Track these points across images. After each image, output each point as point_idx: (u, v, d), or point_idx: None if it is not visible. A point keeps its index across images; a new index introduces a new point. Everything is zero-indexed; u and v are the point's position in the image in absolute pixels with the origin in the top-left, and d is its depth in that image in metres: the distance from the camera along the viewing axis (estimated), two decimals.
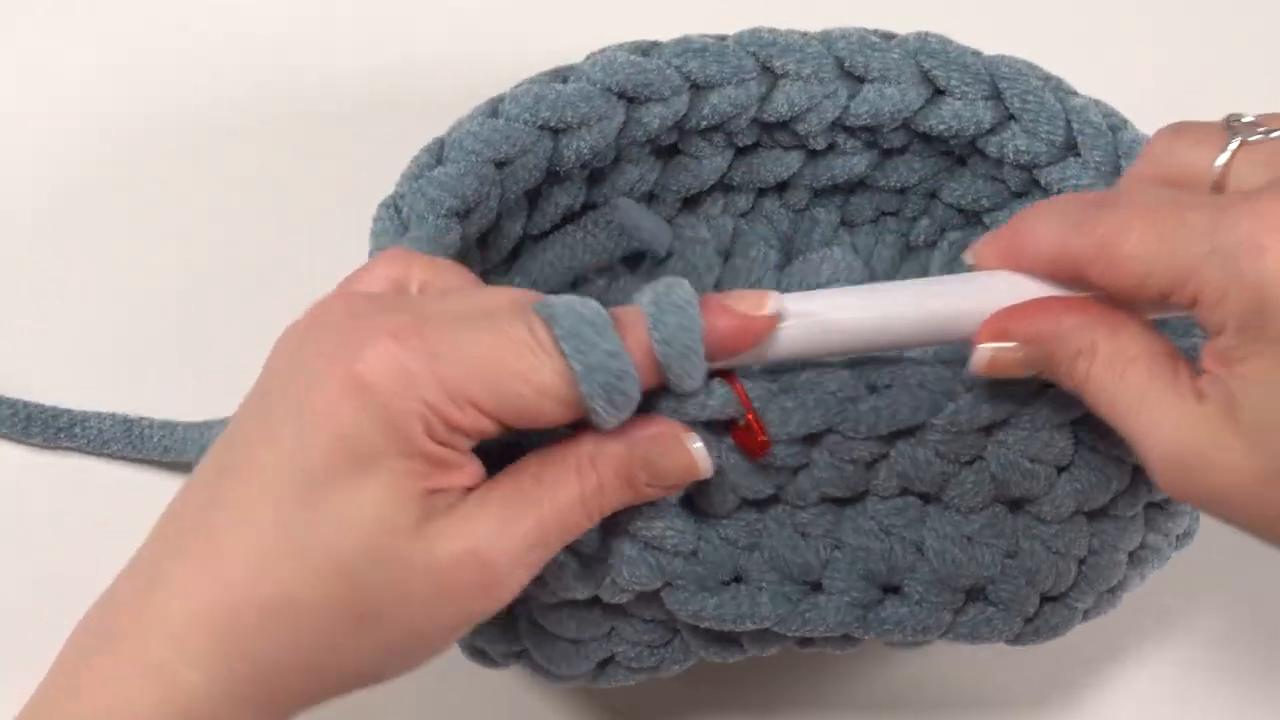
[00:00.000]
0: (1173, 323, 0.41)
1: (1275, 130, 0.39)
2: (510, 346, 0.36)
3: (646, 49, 0.47)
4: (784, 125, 0.49)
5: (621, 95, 0.46)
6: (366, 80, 0.62)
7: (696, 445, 0.38)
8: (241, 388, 0.38)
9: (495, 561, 0.37)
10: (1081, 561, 0.42)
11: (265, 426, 0.37)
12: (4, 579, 0.53)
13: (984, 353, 0.38)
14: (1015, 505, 0.41)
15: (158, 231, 0.59)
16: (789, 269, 0.53)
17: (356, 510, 0.35)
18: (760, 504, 0.41)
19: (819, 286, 0.52)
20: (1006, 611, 0.42)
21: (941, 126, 0.48)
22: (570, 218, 0.50)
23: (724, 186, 0.52)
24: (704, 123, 0.48)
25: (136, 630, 0.36)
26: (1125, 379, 0.37)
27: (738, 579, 0.41)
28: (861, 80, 0.48)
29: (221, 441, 0.38)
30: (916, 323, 0.39)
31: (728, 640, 0.43)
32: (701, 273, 0.51)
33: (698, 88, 0.47)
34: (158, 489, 0.55)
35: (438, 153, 0.45)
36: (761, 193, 0.52)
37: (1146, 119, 0.46)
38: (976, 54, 0.48)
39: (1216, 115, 0.40)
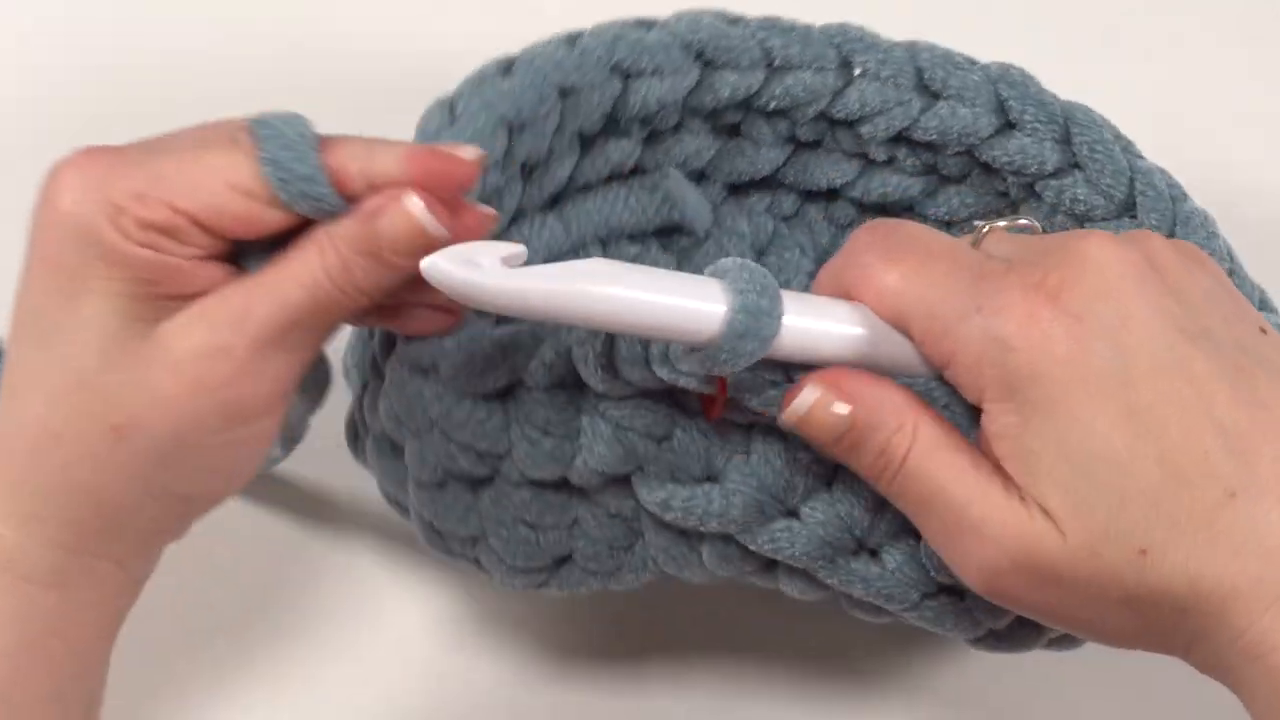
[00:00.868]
0: None
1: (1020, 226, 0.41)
2: (207, 149, 0.37)
3: (733, 19, 0.47)
4: (850, 125, 0.48)
5: (700, 55, 0.45)
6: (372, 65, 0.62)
7: (414, 203, 0.37)
8: None
9: (235, 345, 0.37)
10: None
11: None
12: None
13: (809, 398, 0.37)
14: None
15: None
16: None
17: (80, 324, 0.37)
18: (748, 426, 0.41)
19: None
20: (978, 615, 0.41)
21: (1005, 159, 0.48)
22: (618, 176, 0.49)
23: (773, 183, 0.51)
24: (773, 103, 0.47)
25: None
26: (952, 468, 0.37)
27: (710, 479, 0.40)
28: (937, 96, 0.47)
29: None
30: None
31: (688, 546, 0.42)
32: None
33: (774, 67, 0.46)
34: None
35: (506, 66, 0.44)
36: (809, 197, 0.52)
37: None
38: (1055, 97, 0.47)
39: (1214, 127, 0.40)
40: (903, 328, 0.37)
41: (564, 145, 0.46)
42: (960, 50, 0.48)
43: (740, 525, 0.40)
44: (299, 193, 0.36)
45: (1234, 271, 0.47)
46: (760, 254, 0.52)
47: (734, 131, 0.50)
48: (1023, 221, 0.42)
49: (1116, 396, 0.35)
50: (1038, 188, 0.48)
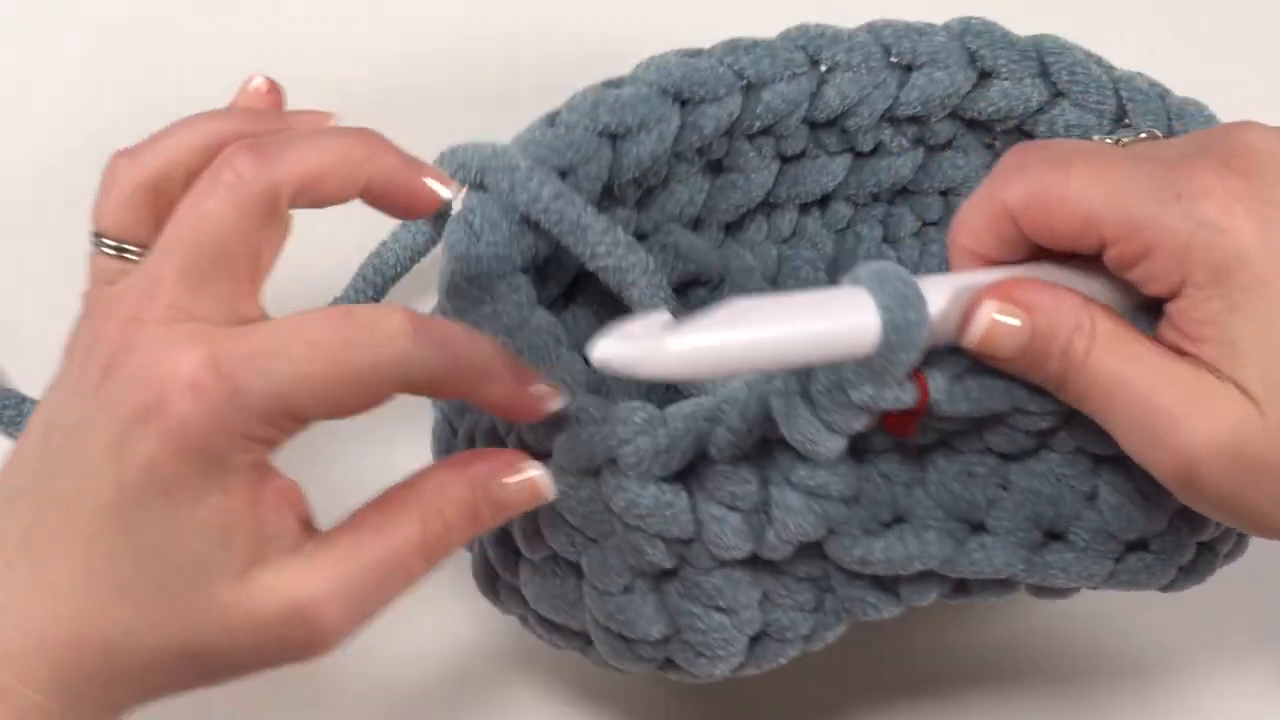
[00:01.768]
0: None
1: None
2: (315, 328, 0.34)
3: (694, 53, 0.46)
4: (833, 123, 0.48)
5: (676, 96, 0.44)
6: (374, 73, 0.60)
7: (536, 473, 0.37)
8: None
9: (322, 620, 0.35)
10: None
11: (74, 452, 0.35)
12: None
13: (986, 316, 0.36)
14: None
15: None
16: None
17: (178, 546, 0.34)
18: (923, 447, 0.39)
19: None
20: (1166, 560, 0.40)
21: (991, 109, 0.47)
22: None
23: (767, 207, 0.50)
24: (757, 123, 0.46)
25: None
26: (1137, 358, 0.36)
27: (899, 519, 0.39)
28: (910, 68, 0.47)
29: (21, 461, 0.36)
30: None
31: (885, 590, 0.40)
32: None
33: (750, 86, 0.46)
34: None
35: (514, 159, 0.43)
36: (804, 210, 0.51)
37: None
38: (1018, 36, 0.47)
39: None
40: (1091, 231, 0.36)
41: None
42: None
43: (940, 560, 0.39)
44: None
45: None
46: (774, 282, 0.51)
47: (719, 167, 0.49)
48: (1144, 135, 0.41)
49: None
50: (1026, 126, 0.48)
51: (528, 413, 0.37)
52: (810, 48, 0.46)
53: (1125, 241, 0.36)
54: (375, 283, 0.48)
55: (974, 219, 0.38)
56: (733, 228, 0.51)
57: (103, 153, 0.39)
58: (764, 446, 0.38)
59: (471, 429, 0.41)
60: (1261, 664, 0.50)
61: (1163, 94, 0.47)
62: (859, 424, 0.36)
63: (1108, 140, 0.41)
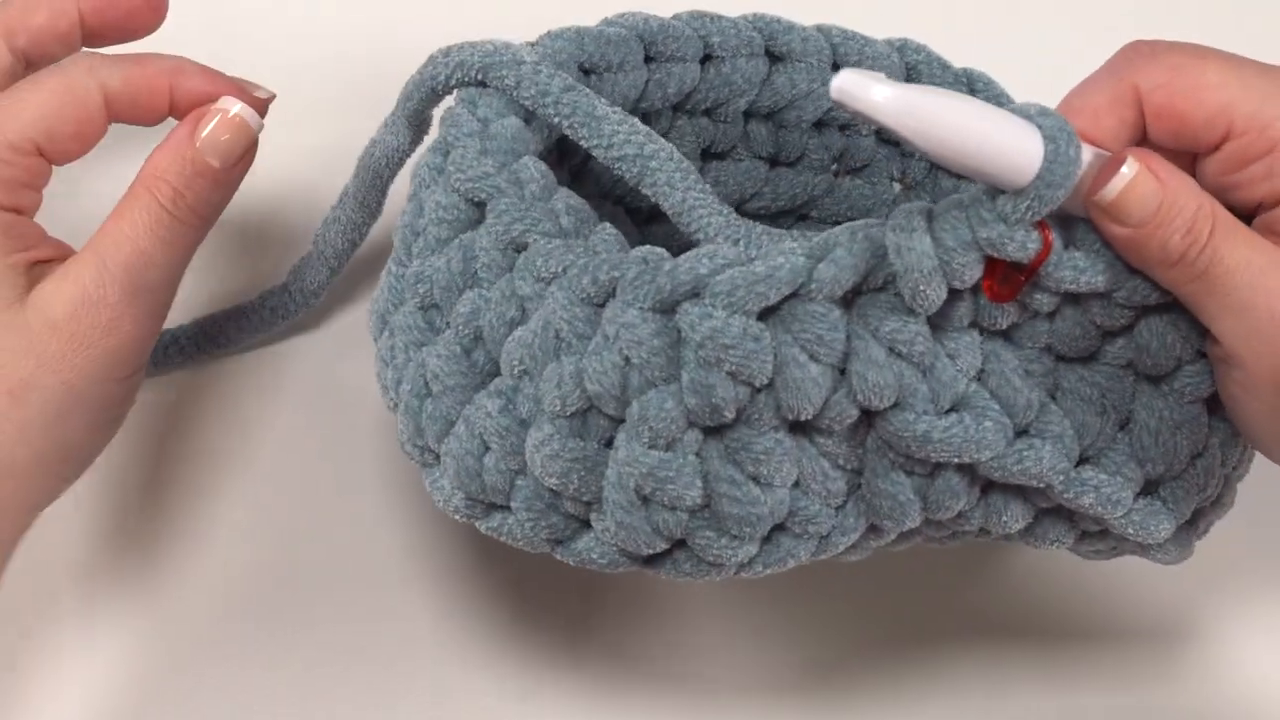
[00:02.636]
0: None
1: None
2: (41, 79, 0.41)
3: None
4: (770, 117, 0.48)
5: (649, 48, 0.45)
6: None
7: (237, 107, 0.41)
8: None
9: (106, 295, 0.40)
10: (1228, 477, 0.42)
11: None
12: None
13: (1130, 171, 0.36)
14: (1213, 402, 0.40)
15: None
16: None
17: None
18: (989, 335, 0.38)
19: None
20: (1172, 510, 0.40)
21: None
22: None
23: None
24: (711, 96, 0.47)
25: None
26: (1254, 241, 0.37)
27: (955, 408, 0.38)
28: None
29: None
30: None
31: (912, 491, 0.39)
32: None
33: (710, 57, 0.46)
34: None
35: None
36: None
37: None
38: (950, 64, 0.50)
39: None
40: (1219, 122, 0.37)
41: None
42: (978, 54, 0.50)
43: (993, 450, 0.38)
44: None
45: None
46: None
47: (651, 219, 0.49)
48: None
49: None
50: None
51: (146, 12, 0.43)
52: (767, 31, 0.47)
53: (1253, 134, 0.37)
54: (373, 184, 0.46)
55: (1097, 98, 0.38)
56: (651, 218, 0.50)
57: None
58: (853, 299, 0.37)
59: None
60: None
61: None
62: (973, 271, 0.36)
63: None
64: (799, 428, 0.37)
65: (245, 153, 0.42)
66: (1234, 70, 0.37)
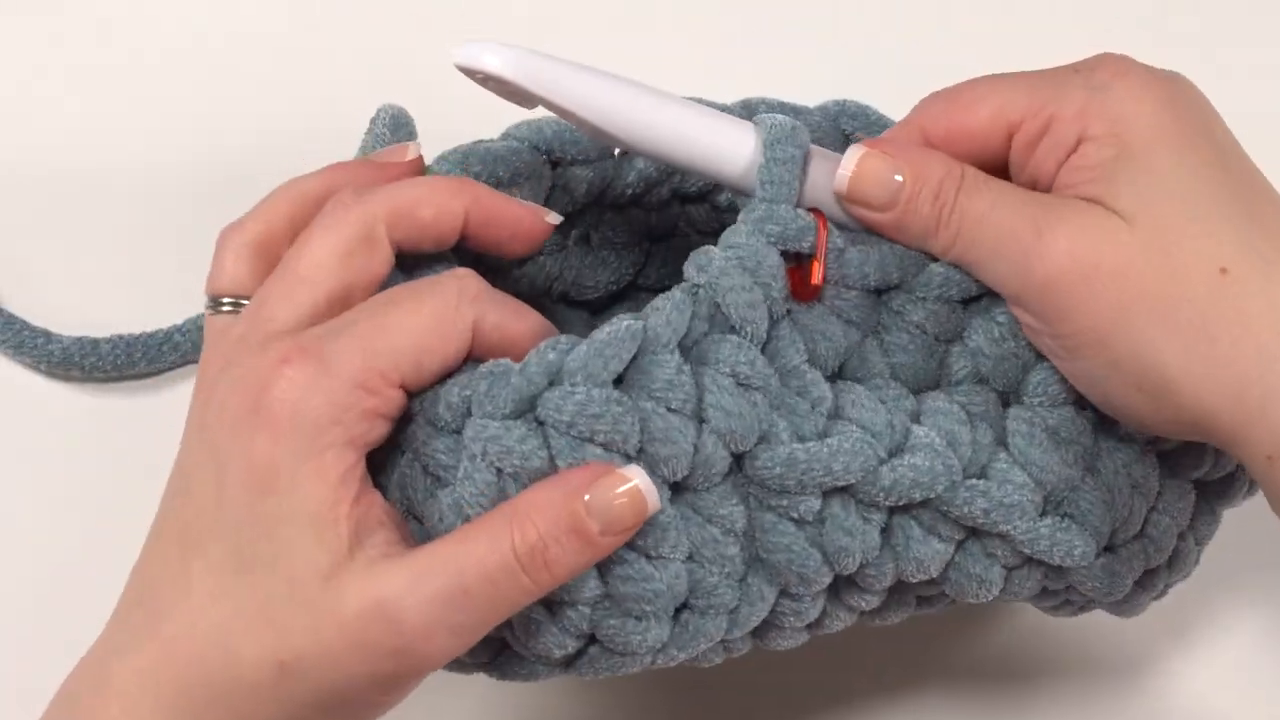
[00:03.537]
0: None
1: None
2: (419, 299, 0.38)
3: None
4: (704, 198, 0.48)
5: (548, 155, 0.45)
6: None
7: (639, 480, 0.36)
8: None
9: (404, 620, 0.35)
10: (1146, 517, 0.42)
11: (186, 484, 0.37)
12: None
13: (855, 155, 0.39)
14: (1099, 418, 0.41)
15: None
16: None
17: (279, 550, 0.36)
18: (827, 373, 0.40)
19: None
20: (1083, 528, 0.41)
21: None
22: None
23: (635, 289, 0.50)
24: (629, 191, 0.47)
25: (95, 697, 0.37)
26: (1003, 190, 0.38)
27: (822, 435, 0.39)
28: None
29: (161, 508, 0.39)
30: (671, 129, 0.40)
31: (810, 543, 0.40)
32: None
33: (623, 152, 0.46)
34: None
35: None
36: None
37: None
38: (891, 120, 0.48)
39: None
40: (1000, 120, 0.39)
41: None
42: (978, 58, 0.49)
43: (864, 466, 0.39)
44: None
45: None
46: None
47: (588, 242, 0.49)
48: None
49: (1211, 149, 0.37)
50: None
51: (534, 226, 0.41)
52: None
53: (1029, 120, 0.38)
54: None
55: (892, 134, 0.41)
56: (601, 306, 0.50)
57: None
58: (692, 348, 0.39)
59: None
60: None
61: None
62: (771, 268, 0.39)
63: None
64: (679, 495, 0.39)
65: (629, 529, 0.37)
66: (1002, 79, 0.40)
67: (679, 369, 0.38)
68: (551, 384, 0.37)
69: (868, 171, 0.39)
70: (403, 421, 0.39)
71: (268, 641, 0.35)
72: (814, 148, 0.40)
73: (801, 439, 0.39)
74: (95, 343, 0.53)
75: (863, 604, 0.42)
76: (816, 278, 0.39)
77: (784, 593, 0.41)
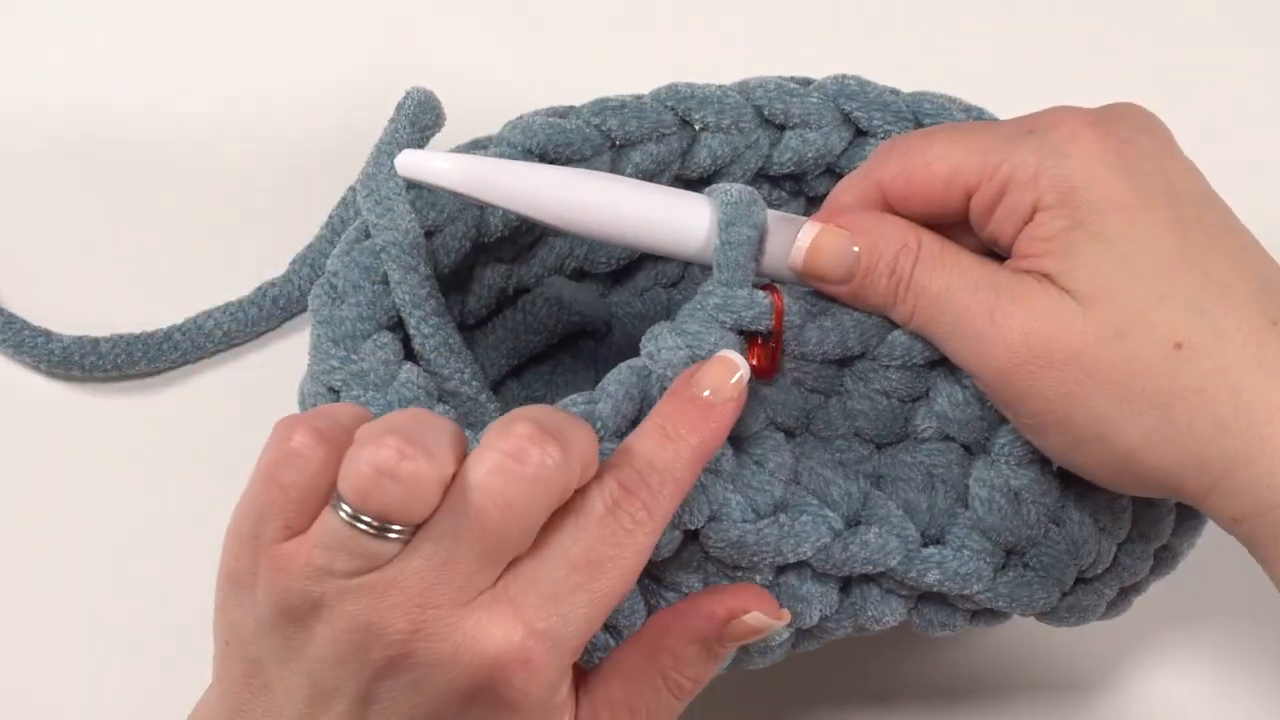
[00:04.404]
0: None
1: None
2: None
3: (563, 112, 0.47)
4: (707, 180, 0.48)
5: (542, 157, 0.45)
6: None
7: (756, 617, 0.38)
8: None
9: None
10: (1120, 546, 0.42)
11: None
12: None
13: (809, 233, 0.39)
14: (1063, 472, 0.40)
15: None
16: None
17: None
18: (789, 432, 0.40)
19: None
20: (1045, 579, 0.41)
21: None
22: (504, 304, 0.49)
23: (653, 255, 0.51)
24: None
25: None
26: (958, 265, 0.38)
27: (776, 510, 0.39)
28: (782, 128, 0.48)
29: None
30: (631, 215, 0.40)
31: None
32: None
33: (618, 146, 0.46)
34: None
35: (364, 229, 0.44)
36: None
37: None
38: (895, 92, 0.48)
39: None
40: (955, 185, 0.39)
41: (443, 288, 0.45)
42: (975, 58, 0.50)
43: (815, 543, 0.39)
44: None
45: None
46: None
47: None
48: None
49: (1167, 208, 0.37)
50: None
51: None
52: (680, 108, 0.47)
53: (985, 184, 0.38)
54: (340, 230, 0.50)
55: (845, 198, 0.40)
56: (620, 275, 0.51)
57: None
58: None
59: None
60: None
61: None
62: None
63: None
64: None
65: (749, 643, 0.39)
66: (958, 137, 0.39)
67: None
68: None
69: (823, 246, 0.39)
70: None
71: None
72: (772, 214, 0.40)
73: (756, 512, 0.39)
74: (95, 342, 0.53)
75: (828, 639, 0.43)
76: (773, 362, 0.39)
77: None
